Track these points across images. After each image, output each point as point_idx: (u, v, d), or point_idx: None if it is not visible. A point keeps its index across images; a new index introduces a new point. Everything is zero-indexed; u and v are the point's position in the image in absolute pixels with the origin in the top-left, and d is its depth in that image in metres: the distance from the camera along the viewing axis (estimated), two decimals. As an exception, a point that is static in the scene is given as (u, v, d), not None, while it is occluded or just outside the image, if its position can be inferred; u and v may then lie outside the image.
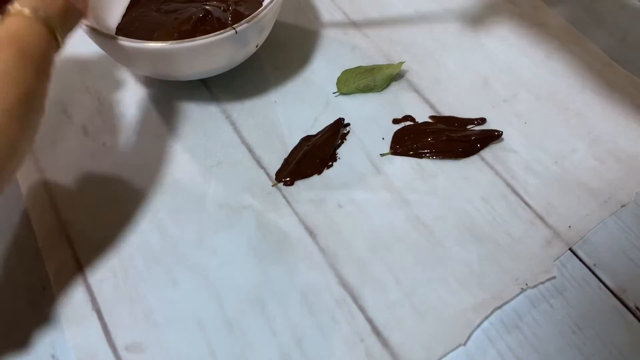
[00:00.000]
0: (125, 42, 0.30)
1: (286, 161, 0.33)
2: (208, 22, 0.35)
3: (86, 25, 0.30)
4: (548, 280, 0.28)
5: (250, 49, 0.34)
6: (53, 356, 0.27)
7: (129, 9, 0.38)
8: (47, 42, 0.26)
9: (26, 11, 0.25)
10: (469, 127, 0.35)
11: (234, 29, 0.30)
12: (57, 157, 0.33)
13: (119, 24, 0.37)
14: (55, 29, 0.26)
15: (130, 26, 0.36)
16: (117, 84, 0.37)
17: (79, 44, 0.40)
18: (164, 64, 0.32)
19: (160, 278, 0.29)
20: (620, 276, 0.29)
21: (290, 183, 0.32)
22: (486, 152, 0.33)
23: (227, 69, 0.35)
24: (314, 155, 0.33)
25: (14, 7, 0.25)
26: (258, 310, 0.28)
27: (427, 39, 0.40)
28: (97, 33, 0.30)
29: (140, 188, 0.31)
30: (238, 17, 0.34)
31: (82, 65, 0.38)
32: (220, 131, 0.34)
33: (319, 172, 0.33)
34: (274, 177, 0.32)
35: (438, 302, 0.28)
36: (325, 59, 0.38)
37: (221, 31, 0.30)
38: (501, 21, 0.40)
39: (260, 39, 0.35)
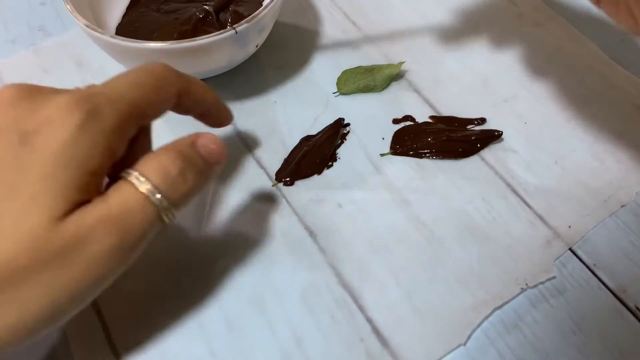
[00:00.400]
0: (126, 42, 0.30)
1: (286, 161, 0.33)
2: (208, 22, 0.35)
3: (86, 25, 0.30)
4: (548, 280, 0.28)
5: (251, 49, 0.34)
6: (54, 356, 0.27)
7: (128, 9, 0.38)
8: (152, 226, 0.21)
9: (143, 189, 0.21)
10: (469, 127, 0.35)
11: (234, 29, 0.30)
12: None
13: (119, 24, 0.37)
14: (166, 215, 0.22)
15: (130, 26, 0.36)
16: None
17: (79, 44, 0.40)
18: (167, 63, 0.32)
19: (160, 278, 0.29)
20: (620, 276, 0.29)
21: (290, 183, 0.32)
22: (486, 152, 0.33)
23: (227, 69, 0.35)
24: (314, 155, 0.33)
25: (131, 175, 0.21)
26: (258, 310, 0.28)
27: (427, 39, 0.40)
28: (97, 33, 0.30)
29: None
30: (238, 18, 0.34)
31: (82, 65, 0.38)
32: (220, 131, 0.34)
33: (319, 172, 0.33)
34: (274, 177, 0.32)
35: (438, 302, 0.28)
36: (325, 59, 0.38)
37: (221, 31, 0.30)
38: (501, 21, 0.40)
39: (260, 39, 0.35)
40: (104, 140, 0.21)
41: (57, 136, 0.20)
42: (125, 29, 0.36)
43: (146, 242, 0.22)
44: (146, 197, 0.21)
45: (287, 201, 0.31)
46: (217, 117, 0.28)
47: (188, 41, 0.30)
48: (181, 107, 0.25)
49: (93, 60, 0.39)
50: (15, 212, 0.19)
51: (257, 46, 0.35)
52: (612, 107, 0.35)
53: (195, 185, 0.23)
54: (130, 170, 0.21)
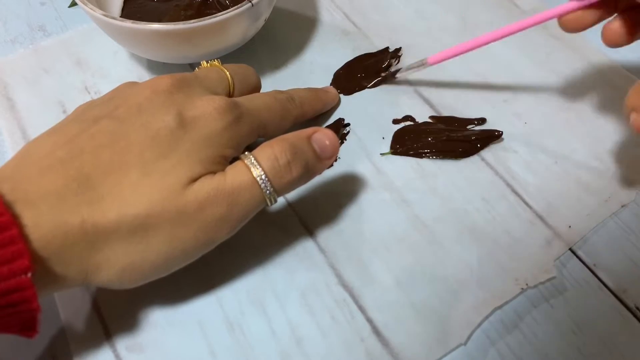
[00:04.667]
0: (149, 26, 0.30)
1: (286, 161, 0.33)
2: (210, 5, 0.36)
3: (101, 14, 0.31)
4: (548, 280, 0.28)
5: (260, 23, 0.35)
6: (53, 356, 0.27)
7: (125, 2, 0.38)
8: (256, 205, 0.25)
9: (254, 172, 0.24)
10: (469, 127, 0.35)
11: (250, 2, 0.31)
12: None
13: (120, 16, 0.37)
14: (270, 198, 0.25)
15: (132, 17, 0.36)
16: (118, 84, 0.37)
17: (79, 43, 0.40)
18: (182, 45, 0.33)
19: (161, 278, 0.29)
20: (620, 276, 0.29)
21: (290, 183, 0.32)
22: (486, 152, 0.33)
23: (240, 46, 0.36)
24: (314, 155, 0.33)
25: (247, 158, 0.25)
26: (258, 310, 0.28)
27: (427, 39, 0.40)
28: (118, 21, 0.30)
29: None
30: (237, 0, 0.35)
31: (81, 64, 0.38)
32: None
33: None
34: (274, 177, 0.32)
35: (438, 302, 0.28)
36: (325, 60, 0.38)
37: (237, 6, 0.31)
38: (501, 21, 0.40)
39: (268, 12, 0.36)
40: (238, 139, 0.26)
41: (210, 127, 0.24)
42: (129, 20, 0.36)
43: (249, 218, 0.25)
44: (254, 180, 0.24)
45: (287, 201, 0.31)
46: (323, 110, 0.35)
47: (208, 19, 0.31)
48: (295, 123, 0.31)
49: (93, 59, 0.39)
50: (158, 174, 0.23)
51: (265, 20, 0.36)
52: (612, 107, 0.35)
53: (299, 176, 0.26)
54: (248, 153, 0.25)
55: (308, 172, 0.26)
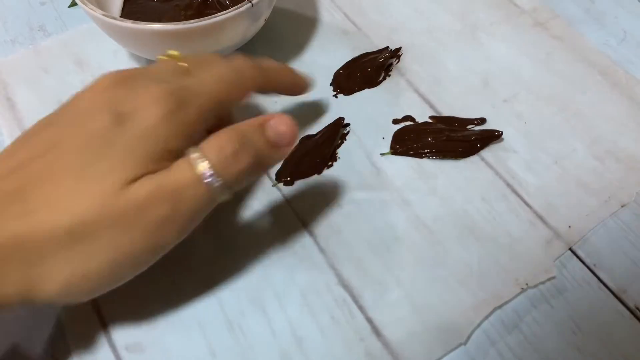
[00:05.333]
0: (148, 26, 0.30)
1: (286, 161, 0.33)
2: (210, 5, 0.36)
3: (101, 14, 0.31)
4: (548, 280, 0.28)
5: (260, 23, 0.35)
6: (53, 356, 0.27)
7: (125, 2, 0.38)
8: (203, 203, 0.23)
9: (198, 168, 0.22)
10: (469, 127, 0.35)
11: (250, 2, 0.31)
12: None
13: (120, 16, 0.37)
14: (221, 194, 0.23)
15: (133, 17, 0.36)
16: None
17: (79, 43, 0.40)
18: (183, 45, 0.32)
19: (160, 278, 0.29)
20: (620, 276, 0.29)
21: (290, 183, 0.32)
22: (486, 152, 0.33)
23: (239, 46, 0.36)
24: (314, 155, 0.33)
25: (192, 153, 0.23)
26: (258, 310, 0.28)
27: (427, 39, 0.40)
28: (119, 21, 0.30)
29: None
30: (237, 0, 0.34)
31: (81, 64, 0.38)
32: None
33: (319, 172, 0.33)
34: (274, 177, 0.32)
35: (438, 302, 0.28)
36: (325, 60, 0.38)
37: (237, 6, 0.31)
38: (501, 21, 0.40)
39: (268, 12, 0.36)
40: (184, 128, 0.23)
41: (145, 121, 0.22)
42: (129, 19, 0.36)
43: (200, 217, 0.23)
44: (197, 176, 0.22)
45: (287, 201, 0.31)
46: (292, 90, 0.32)
47: (208, 19, 0.30)
48: (259, 92, 0.30)
49: (93, 59, 0.39)
50: (94, 177, 0.21)
51: (265, 20, 0.36)
52: (613, 106, 0.35)
53: (248, 166, 0.23)
54: (193, 148, 0.23)
55: (260, 162, 0.24)
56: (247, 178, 0.24)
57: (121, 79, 0.24)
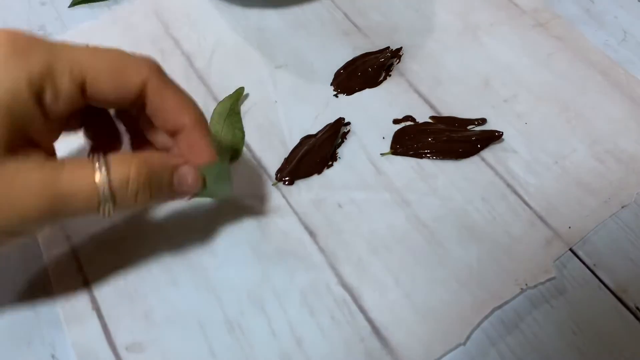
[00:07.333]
0: None
1: (286, 161, 0.33)
2: None
3: None
4: (548, 280, 0.28)
5: None
6: (53, 356, 0.27)
7: None
8: (87, 211, 0.22)
9: (99, 179, 0.21)
10: (469, 127, 0.35)
11: None
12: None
13: None
14: (105, 209, 0.22)
15: None
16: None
17: (79, 43, 0.40)
18: None
19: (160, 278, 0.29)
20: (620, 276, 0.29)
21: (290, 183, 0.32)
22: (486, 153, 0.33)
23: None
24: (314, 154, 0.33)
25: (99, 162, 0.22)
26: (258, 310, 0.28)
27: (427, 39, 0.40)
28: None
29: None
30: None
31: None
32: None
33: (319, 171, 0.33)
34: (274, 176, 0.32)
35: (438, 302, 0.28)
36: (325, 59, 0.38)
37: None
38: (501, 21, 0.40)
39: None
40: (26, 83, 0.20)
41: None
42: None
43: (68, 219, 0.23)
44: (97, 188, 0.21)
45: (287, 201, 0.31)
46: (190, 146, 0.25)
47: None
48: (145, 110, 0.24)
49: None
50: None
51: None
52: (613, 107, 0.35)
53: (142, 203, 0.23)
54: (100, 156, 0.22)
55: (152, 201, 0.24)
56: (134, 208, 0.23)
57: None
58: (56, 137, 0.24)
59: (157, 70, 0.24)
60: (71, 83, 0.22)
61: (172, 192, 0.24)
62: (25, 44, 0.21)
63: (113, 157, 0.22)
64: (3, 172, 0.20)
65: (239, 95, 0.36)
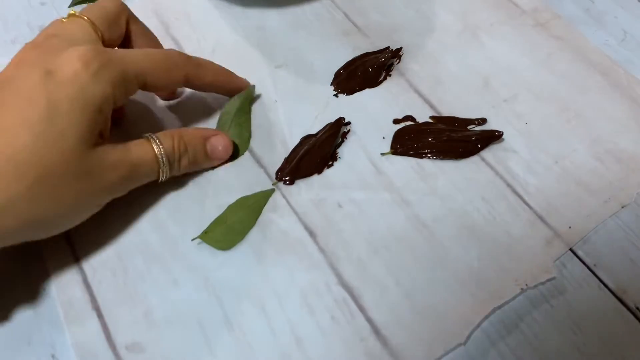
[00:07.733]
0: None
1: (286, 160, 0.33)
2: None
3: None
4: (548, 280, 0.28)
5: None
6: (53, 356, 0.27)
7: None
8: (150, 176, 0.29)
9: (157, 150, 0.28)
10: (469, 127, 0.35)
11: None
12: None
13: None
14: (163, 174, 0.29)
15: None
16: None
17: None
18: None
19: (160, 277, 0.29)
20: (620, 276, 0.29)
21: (290, 182, 0.32)
22: (487, 153, 0.33)
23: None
24: (314, 154, 0.33)
25: (153, 138, 0.29)
26: (258, 310, 0.28)
27: (427, 39, 0.40)
28: None
29: (140, 187, 0.30)
30: None
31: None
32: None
33: (319, 171, 0.33)
34: (274, 176, 0.32)
35: (438, 302, 0.28)
36: (325, 59, 0.38)
37: None
38: (501, 21, 0.40)
39: None
40: (111, 88, 0.26)
41: (75, 79, 0.25)
42: None
43: (139, 184, 0.29)
44: (157, 156, 0.28)
45: (287, 201, 0.31)
46: (229, 91, 0.35)
47: None
48: (192, 87, 0.33)
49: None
50: (55, 135, 0.24)
51: None
52: (613, 107, 0.35)
53: (187, 167, 0.31)
54: (153, 135, 0.29)
55: (195, 166, 0.31)
56: (184, 171, 0.31)
57: (34, 47, 0.27)
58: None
59: (194, 63, 0.31)
60: (137, 85, 0.28)
61: (208, 158, 0.31)
62: (106, 56, 0.26)
63: (160, 134, 0.29)
64: (97, 156, 0.26)
65: (249, 95, 0.35)
